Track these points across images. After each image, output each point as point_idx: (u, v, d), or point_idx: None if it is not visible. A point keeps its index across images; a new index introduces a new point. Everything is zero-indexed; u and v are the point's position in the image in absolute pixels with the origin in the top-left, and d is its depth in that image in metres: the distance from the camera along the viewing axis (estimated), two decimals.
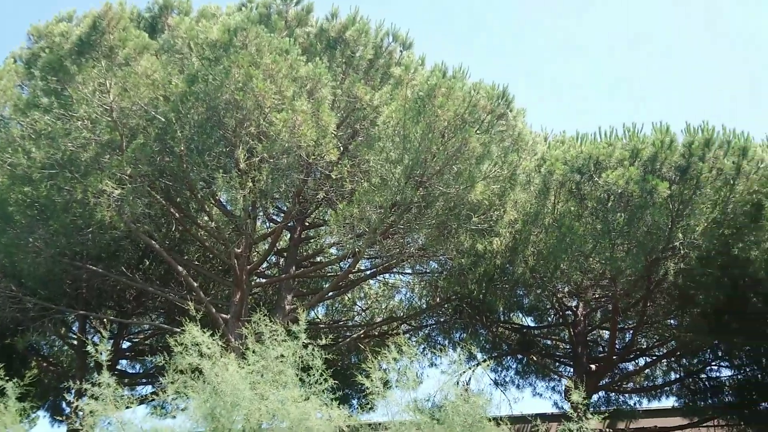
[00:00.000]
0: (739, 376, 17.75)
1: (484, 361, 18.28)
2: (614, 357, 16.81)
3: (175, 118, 11.50)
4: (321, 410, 8.86)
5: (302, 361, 9.13)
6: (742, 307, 14.74)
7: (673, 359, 18.20)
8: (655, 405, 19.64)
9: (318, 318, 19.03)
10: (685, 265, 13.65)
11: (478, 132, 11.86)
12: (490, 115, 12.08)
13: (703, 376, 18.14)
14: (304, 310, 10.03)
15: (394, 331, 17.30)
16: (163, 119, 11.66)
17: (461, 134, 11.54)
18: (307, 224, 15.70)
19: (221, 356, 8.28)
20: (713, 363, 17.76)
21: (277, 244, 15.95)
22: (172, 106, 11.48)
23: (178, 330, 8.56)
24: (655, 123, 12.93)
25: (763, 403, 17.42)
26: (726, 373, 17.98)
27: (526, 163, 13.36)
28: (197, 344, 8.22)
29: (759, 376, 17.41)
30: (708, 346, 16.92)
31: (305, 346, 9.18)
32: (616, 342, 17.11)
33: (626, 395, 19.04)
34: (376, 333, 18.14)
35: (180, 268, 13.78)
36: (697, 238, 13.01)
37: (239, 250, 13.41)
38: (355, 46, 13.28)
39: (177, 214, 13.54)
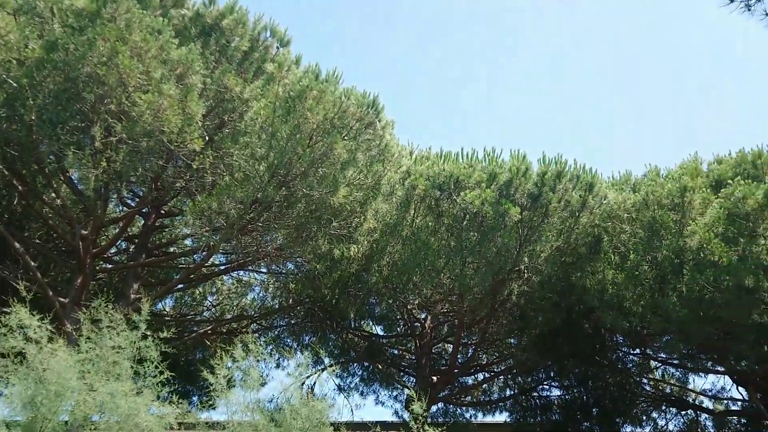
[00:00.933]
0: (566, 396, 18.90)
1: (331, 366, 18.40)
2: (455, 370, 17.41)
3: (28, 84, 10.75)
4: (154, 405, 8.57)
5: (140, 353, 8.80)
6: (575, 331, 15.73)
7: (509, 376, 19.10)
8: (489, 419, 20.54)
9: (165, 310, 18.39)
10: (528, 288, 14.40)
11: (345, 138, 11.95)
12: (359, 122, 12.22)
13: (535, 394, 19.17)
14: (148, 300, 9.67)
15: (244, 330, 17.03)
16: (15, 84, 10.88)
17: (329, 138, 11.57)
18: (162, 212, 15.13)
19: (50, 341, 7.82)
20: (545, 382, 18.82)
21: (129, 230, 15.28)
22: (25, 72, 10.72)
23: (6, 310, 8.01)
24: (513, 150, 13.60)
25: (585, 423, 18.66)
26: (556, 393, 19.11)
27: (390, 174, 13.59)
28: (24, 327, 7.71)
29: (584, 397, 18.64)
30: (542, 366, 17.88)
31: (144, 337, 8.85)
32: (459, 356, 17.74)
33: (463, 408, 19.73)
34: (225, 330, 17.77)
35: (17, 245, 12.88)
36: (541, 263, 13.76)
37: (86, 232, 12.72)
38: (231, 36, 12.98)
39: (20, 187, 12.67)
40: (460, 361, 17.97)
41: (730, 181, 12.91)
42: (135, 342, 8.63)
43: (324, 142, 11.63)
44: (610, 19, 44.63)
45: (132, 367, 8.51)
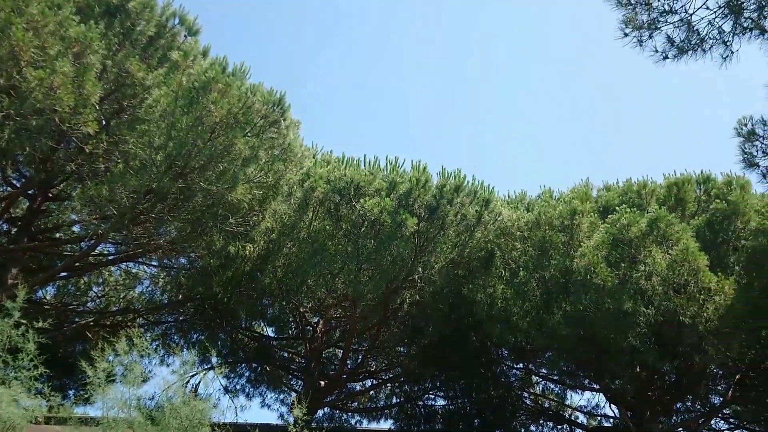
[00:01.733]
0: (450, 406, 19.26)
1: (219, 365, 18.02)
2: (344, 376, 17.42)
3: None
4: (22, 398, 8.14)
5: (11, 342, 8.35)
6: (463, 343, 16.06)
7: (396, 384, 19.27)
8: (374, 426, 20.64)
9: (46, 298, 17.52)
10: (420, 298, 14.60)
11: (248, 134, 11.77)
12: (263, 120, 12.08)
13: (420, 403, 19.41)
14: (25, 287, 9.19)
15: (129, 324, 16.45)
16: None
17: (231, 133, 11.37)
18: (50, 195, 14.44)
19: None
20: (431, 392, 19.09)
21: (13, 212, 14.48)
22: None
23: None
24: (414, 161, 13.78)
25: None
26: (440, 402, 19.43)
27: (291, 174, 13.49)
28: None
29: (468, 408, 19.05)
30: (429, 376, 18.13)
31: (17, 326, 8.40)
32: (348, 362, 17.76)
33: (349, 414, 19.77)
34: (109, 323, 17.11)
35: None
36: (435, 274, 13.99)
37: None
38: (137, 20, 12.55)
39: None
40: (349, 366, 18.00)
41: (616, 208, 13.55)
42: (6, 330, 8.17)
43: (226, 136, 11.41)
44: (513, 40, 46.14)
45: (0, 356, 8.05)
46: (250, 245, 13.85)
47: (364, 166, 13.77)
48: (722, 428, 21.43)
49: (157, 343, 17.96)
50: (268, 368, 18.99)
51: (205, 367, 17.61)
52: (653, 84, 47.87)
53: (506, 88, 47.34)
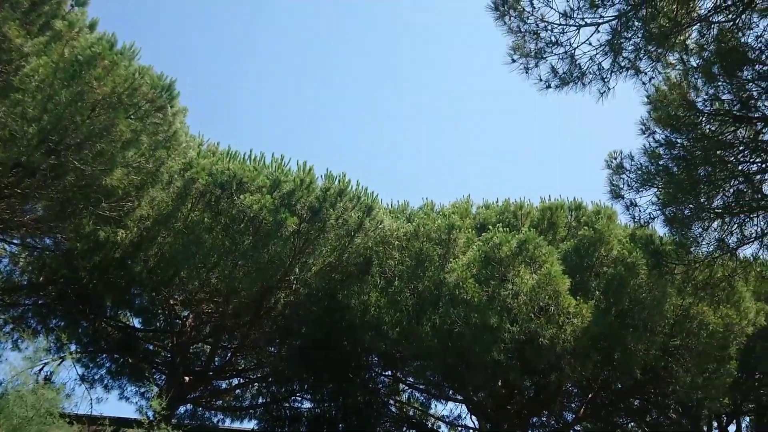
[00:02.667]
0: (316, 410, 19.25)
1: (77, 354, 17.20)
2: (210, 373, 17.05)
3: None
4: None
5: None
6: (334, 347, 16.12)
7: (264, 384, 19.05)
8: (236, 425, 20.33)
9: None
10: (295, 299, 14.53)
11: (132, 117, 11.34)
12: (149, 104, 11.65)
13: (286, 404, 19.29)
14: None
15: None
16: None
17: (114, 114, 10.91)
18: None
19: None
20: (298, 394, 18.99)
21: None
22: None
23: None
24: (299, 161, 13.73)
25: None
26: (307, 405, 19.38)
27: (173, 163, 13.09)
28: None
29: (333, 412, 19.10)
30: (298, 378, 18.05)
31: None
32: (216, 359, 17.42)
33: (213, 412, 19.35)
34: None
35: None
36: (311, 276, 13.98)
37: None
38: None
39: None
40: (217, 363, 17.66)
41: (490, 227, 14.03)
42: None
43: (107, 116, 10.93)
44: (414, 52, 46.98)
45: None
46: (123, 231, 13.31)
47: (250, 161, 13.58)
48: None
49: (11, 326, 16.92)
50: (130, 360, 18.26)
51: (62, 355, 16.75)
52: (547, 109, 49.97)
53: (411, 103, 48.07)
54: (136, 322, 18.31)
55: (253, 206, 12.56)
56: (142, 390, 19.20)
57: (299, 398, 19.16)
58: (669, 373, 15.41)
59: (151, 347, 18.72)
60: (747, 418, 21.99)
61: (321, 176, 13.61)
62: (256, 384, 19.06)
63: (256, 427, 19.61)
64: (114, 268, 14.35)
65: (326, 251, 13.86)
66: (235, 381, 18.90)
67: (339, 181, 13.43)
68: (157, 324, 18.18)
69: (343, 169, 21.31)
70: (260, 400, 19.52)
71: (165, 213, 13.24)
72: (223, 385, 19.03)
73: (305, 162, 13.54)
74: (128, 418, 17.42)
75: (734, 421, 21.28)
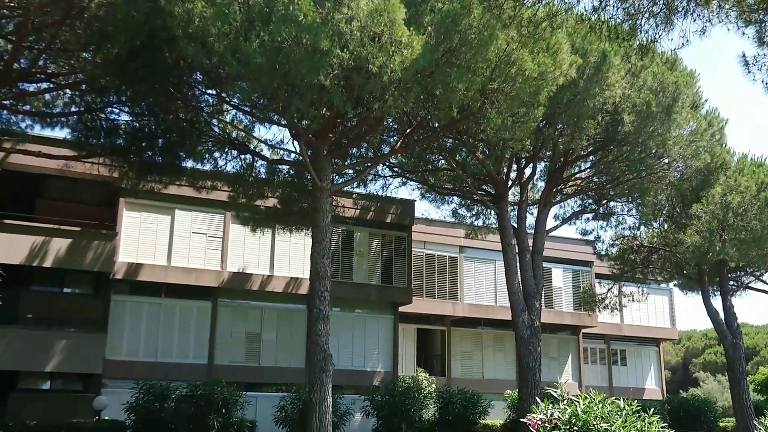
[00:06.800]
0: (135, 123, 18.68)
1: None
2: (14, 74, 15.72)
3: None
4: None
5: None
6: (155, 58, 15.26)
7: (77, 92, 17.95)
8: (47, 132, 19.50)
9: None
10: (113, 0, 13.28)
11: None
12: None
13: (102, 115, 18.46)
14: None
15: None
16: None
17: None
18: None
19: None
20: (115, 105, 18.08)
21: None
22: None
23: None
24: None
25: (149, 152, 18.88)
26: (124, 117, 18.66)
27: None
28: None
29: (153, 127, 18.65)
30: (114, 88, 17.13)
31: None
32: (22, 60, 16.01)
33: (20, 116, 18.17)
34: None
35: None
36: None
37: None
38: None
39: None
40: (22, 65, 16.25)
41: None
42: None
43: None
44: None
45: None
46: None
47: None
48: (385, 174, 24.14)
49: None
50: None
51: None
52: None
53: None
54: None
55: None
56: None
57: (116, 110, 18.31)
58: (483, 114, 16.35)
59: None
60: (542, 163, 24.40)
61: None
62: (68, 91, 17.89)
63: (69, 137, 18.83)
64: None
65: None
66: (45, 86, 17.60)
67: None
68: None
69: None
70: (73, 108, 18.50)
71: None
72: (31, 89, 17.69)
73: None
74: None
75: (530, 164, 23.56)
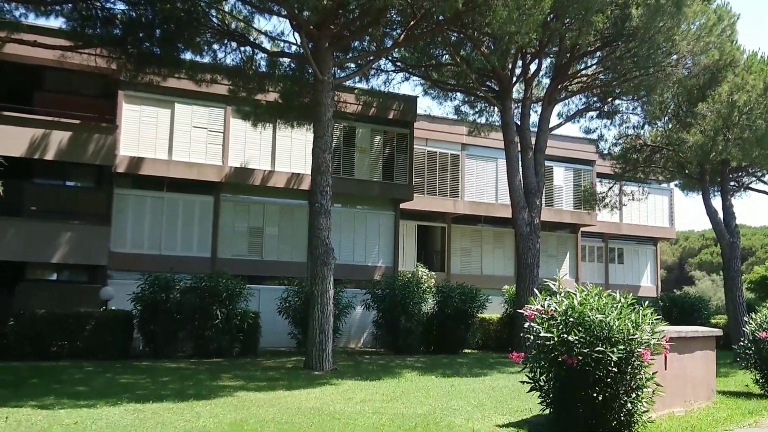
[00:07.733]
0: (131, 13, 18.20)
1: None
2: None
3: None
4: None
5: None
6: None
7: None
8: (42, 21, 19.00)
9: None
10: None
11: None
12: None
13: (98, 4, 17.98)
14: None
15: None
16: None
17: None
18: None
19: None
20: None
21: None
22: None
23: None
24: None
25: (146, 43, 18.48)
26: (121, 6, 18.22)
27: None
28: None
29: (150, 17, 18.15)
30: None
31: None
32: None
33: (14, 4, 17.68)
34: None
35: None
36: None
37: None
38: None
39: None
40: None
41: None
42: None
43: None
44: None
45: None
46: None
47: None
48: (388, 69, 23.72)
49: None
50: None
51: None
52: None
53: None
54: None
55: None
56: None
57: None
58: (488, 6, 15.89)
59: None
60: (548, 59, 23.92)
61: None
62: None
63: (64, 26, 18.39)
64: None
65: None
66: None
67: None
68: None
69: None
70: None
71: None
72: None
73: None
74: None
75: (536, 60, 23.10)
